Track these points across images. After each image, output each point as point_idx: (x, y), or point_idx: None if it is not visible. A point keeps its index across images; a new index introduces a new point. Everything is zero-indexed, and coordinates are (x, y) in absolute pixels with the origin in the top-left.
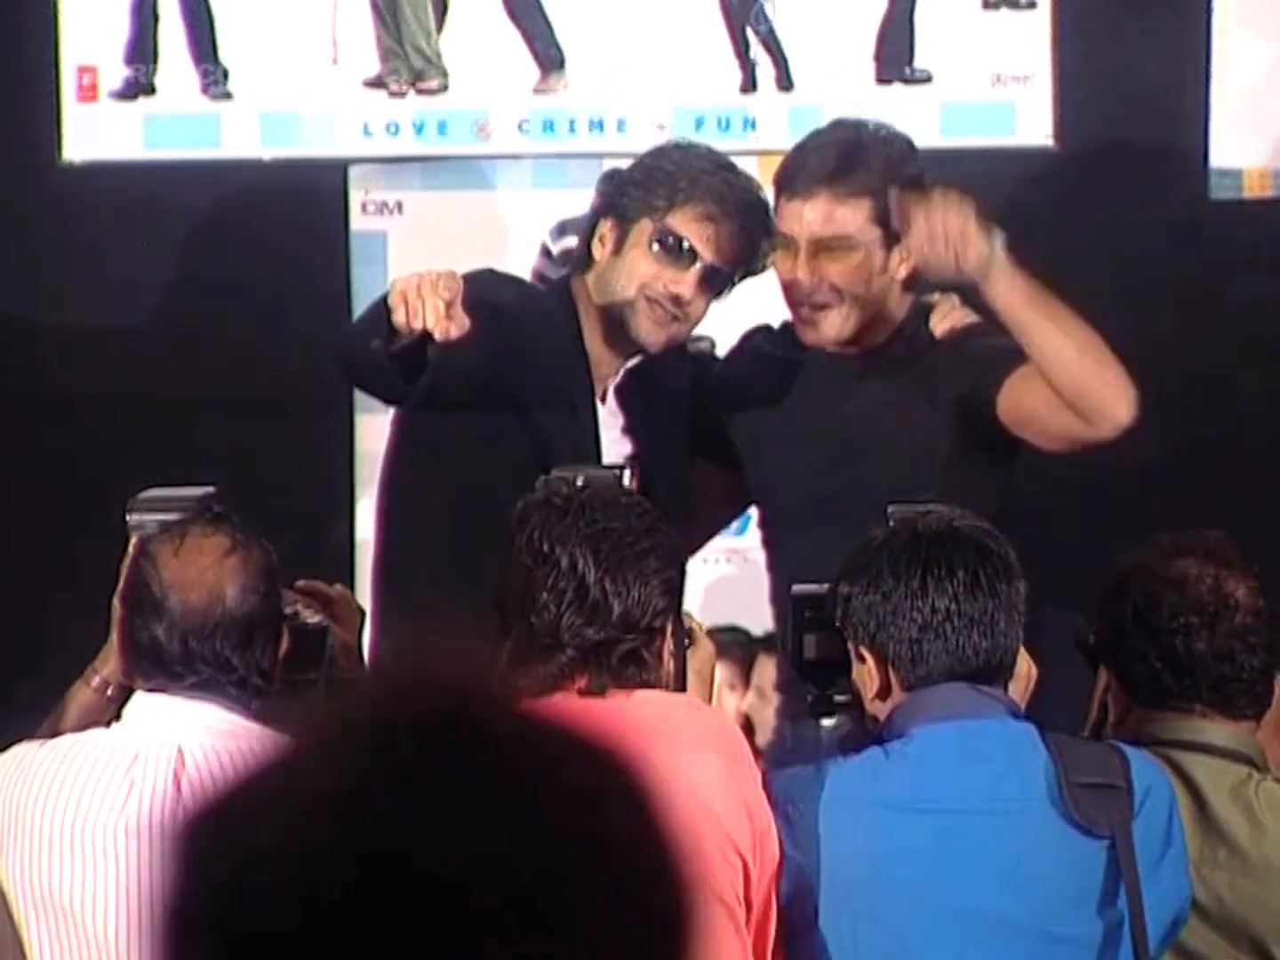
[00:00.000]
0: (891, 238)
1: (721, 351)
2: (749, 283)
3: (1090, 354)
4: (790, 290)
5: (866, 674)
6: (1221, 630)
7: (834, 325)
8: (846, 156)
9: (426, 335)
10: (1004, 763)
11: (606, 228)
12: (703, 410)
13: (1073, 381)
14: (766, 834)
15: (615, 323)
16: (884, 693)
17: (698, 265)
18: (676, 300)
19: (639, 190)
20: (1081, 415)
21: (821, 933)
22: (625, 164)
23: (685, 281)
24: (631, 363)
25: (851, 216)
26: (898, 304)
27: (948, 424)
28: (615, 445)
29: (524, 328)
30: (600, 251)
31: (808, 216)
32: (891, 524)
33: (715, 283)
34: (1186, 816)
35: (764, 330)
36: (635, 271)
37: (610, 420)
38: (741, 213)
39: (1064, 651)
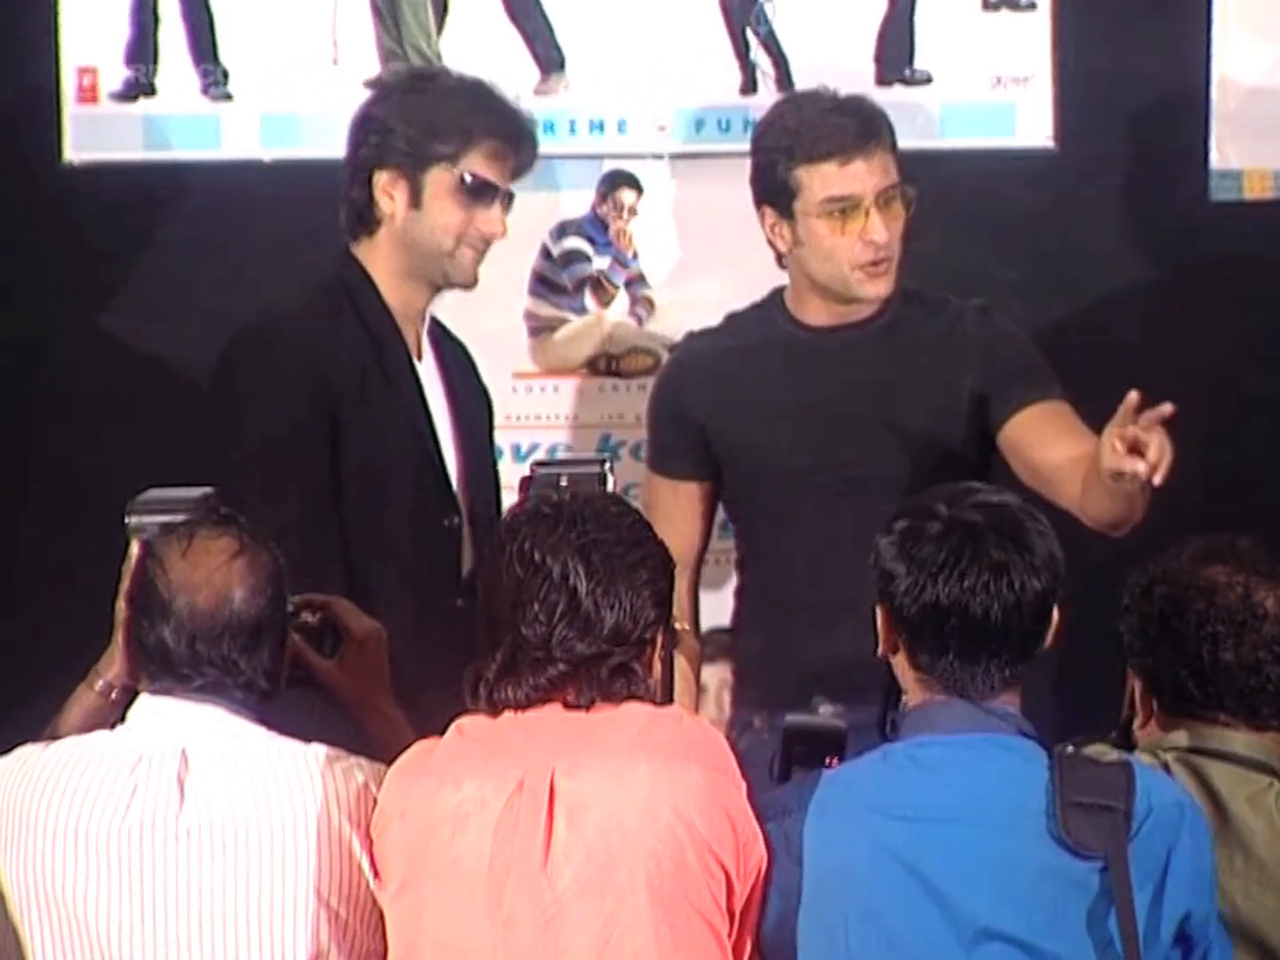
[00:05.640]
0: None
1: None
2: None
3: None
4: (853, 251)
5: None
6: (1249, 640)
7: (892, 276)
8: (863, 114)
9: None
10: (1002, 777)
11: (386, 181)
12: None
13: (1113, 520)
14: (751, 844)
15: (421, 275)
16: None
17: (499, 198)
18: (491, 240)
19: (421, 139)
20: (1091, 521)
21: (817, 937)
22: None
23: (494, 219)
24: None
25: (894, 168)
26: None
27: (935, 408)
28: (437, 403)
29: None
30: (391, 206)
31: (870, 171)
32: (947, 514)
33: (508, 206)
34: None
35: (741, 315)
36: (447, 222)
37: (429, 375)
38: (522, 139)
39: (1097, 652)
